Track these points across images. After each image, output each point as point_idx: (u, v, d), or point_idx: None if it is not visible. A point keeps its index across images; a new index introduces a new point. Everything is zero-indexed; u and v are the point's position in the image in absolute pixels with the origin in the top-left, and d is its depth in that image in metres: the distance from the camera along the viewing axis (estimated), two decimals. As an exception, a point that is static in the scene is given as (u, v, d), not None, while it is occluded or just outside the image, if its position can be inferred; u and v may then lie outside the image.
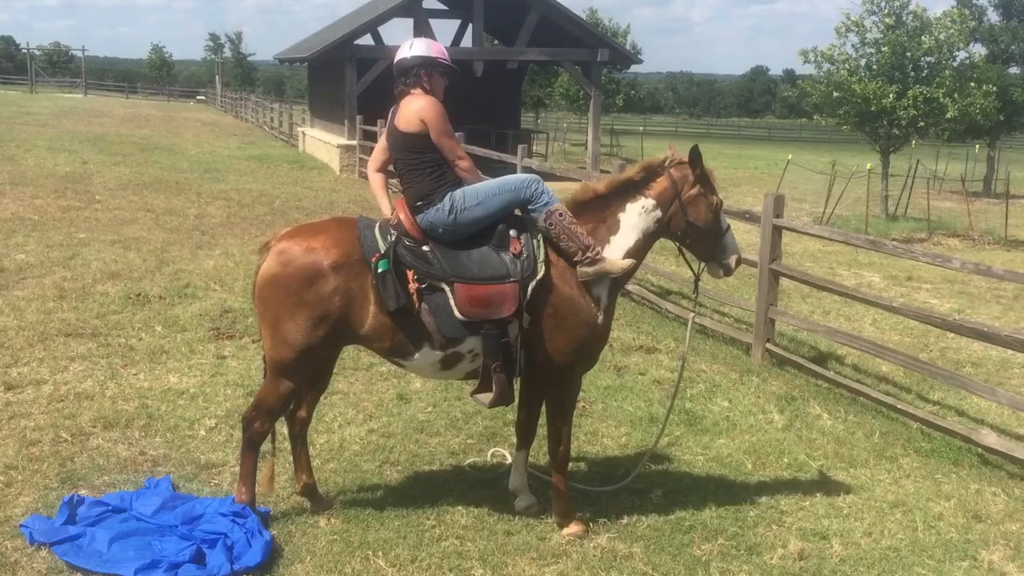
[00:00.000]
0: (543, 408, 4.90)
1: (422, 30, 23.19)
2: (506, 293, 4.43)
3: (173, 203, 15.87)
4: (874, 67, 19.80)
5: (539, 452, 5.47)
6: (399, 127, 4.66)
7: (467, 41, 27.57)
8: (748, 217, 8.78)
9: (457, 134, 5.08)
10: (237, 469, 4.90)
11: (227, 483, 5.15)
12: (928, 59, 19.81)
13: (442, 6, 30.31)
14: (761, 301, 8.32)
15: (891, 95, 19.05)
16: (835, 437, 6.44)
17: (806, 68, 22.26)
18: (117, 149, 25.71)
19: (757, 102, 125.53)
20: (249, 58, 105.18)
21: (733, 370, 7.92)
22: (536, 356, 4.59)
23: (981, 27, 28.95)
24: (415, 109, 4.61)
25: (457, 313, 4.43)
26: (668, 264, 11.61)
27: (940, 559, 4.79)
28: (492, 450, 5.82)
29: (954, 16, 20.36)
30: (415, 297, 4.42)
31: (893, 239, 14.45)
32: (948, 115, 19.33)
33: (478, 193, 4.59)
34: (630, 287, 10.10)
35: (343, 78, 24.38)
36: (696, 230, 4.77)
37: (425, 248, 4.53)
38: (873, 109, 19.39)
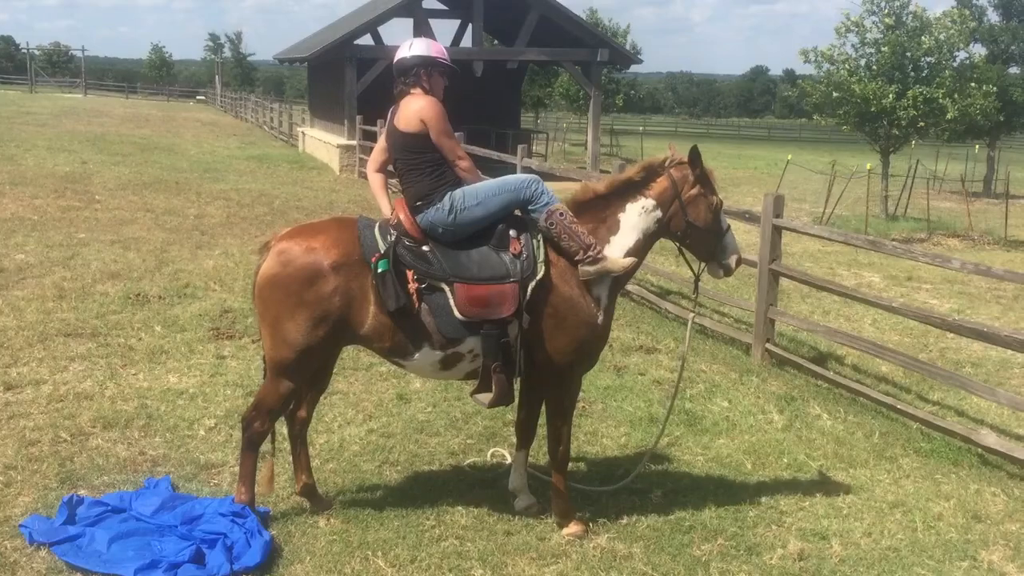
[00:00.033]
0: (543, 408, 4.90)
1: (422, 30, 23.19)
2: (506, 293, 4.43)
3: (173, 203, 15.87)
4: (874, 67, 19.80)
5: (539, 452, 5.47)
6: (399, 127, 4.66)
7: (467, 41, 27.57)
8: (748, 217, 8.78)
9: (457, 134, 5.08)
10: (237, 469, 4.90)
11: (227, 483, 5.15)
12: (928, 59, 19.81)
13: (442, 6, 30.31)
14: (761, 301, 8.32)
15: (891, 95, 19.05)
16: (835, 437, 6.44)
17: (806, 68, 22.29)
18: (117, 149, 25.71)
19: (757, 102, 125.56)
20: (249, 58, 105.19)
21: (733, 370, 7.92)
22: (536, 356, 4.59)
23: (981, 27, 28.96)
24: (415, 109, 4.61)
25: (457, 313, 4.43)
26: (668, 264, 11.61)
27: (940, 559, 4.79)
28: (492, 450, 5.82)
29: (954, 16, 20.36)
30: (415, 297, 4.42)
31: (893, 239, 14.45)
32: (948, 116, 19.32)
33: (478, 193, 4.59)
34: (630, 287, 10.10)
35: (343, 78, 24.38)
36: (696, 230, 4.77)
37: (425, 248, 4.53)
38: (873, 109, 19.39)
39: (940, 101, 19.09)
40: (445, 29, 30.37)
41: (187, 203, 16.00)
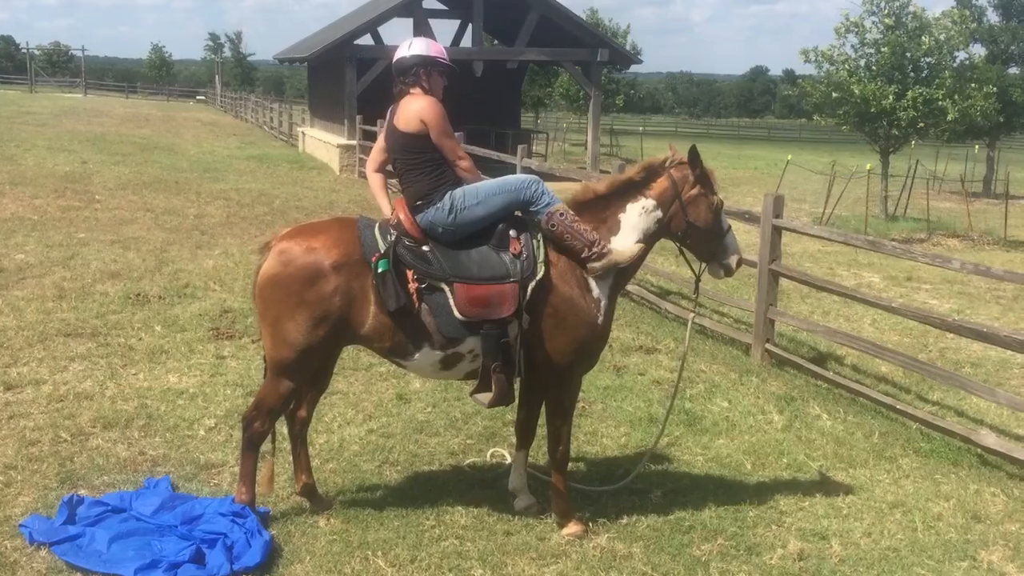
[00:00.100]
0: (543, 408, 4.90)
1: (422, 30, 23.19)
2: (506, 293, 4.44)
3: (173, 203, 15.87)
4: (873, 68, 19.79)
5: (539, 452, 5.47)
6: (399, 127, 4.66)
7: (467, 41, 27.57)
8: (748, 217, 8.78)
9: (457, 134, 5.08)
10: (237, 469, 4.91)
11: (227, 483, 5.15)
12: (928, 60, 19.80)
13: (442, 6, 30.31)
14: (761, 301, 8.33)
15: (891, 96, 19.05)
16: (834, 437, 6.44)
17: (806, 68, 22.30)
18: (117, 149, 25.71)
19: (757, 102, 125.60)
20: (249, 58, 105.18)
21: (733, 370, 7.92)
22: (536, 356, 4.59)
23: (980, 27, 28.94)
24: (415, 109, 4.61)
25: (457, 313, 4.43)
26: (668, 264, 11.61)
27: (939, 559, 4.79)
28: (491, 450, 5.82)
29: (954, 17, 20.35)
30: (415, 297, 4.42)
31: (892, 239, 14.45)
32: (949, 117, 19.32)
33: (478, 192, 4.59)
34: (630, 287, 10.10)
35: (343, 78, 24.38)
36: (697, 230, 4.77)
37: (425, 248, 4.53)
38: (873, 110, 19.38)
39: (940, 102, 19.09)
40: (445, 29, 30.41)
41: (187, 203, 16.00)
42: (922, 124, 19.69)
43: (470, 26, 26.16)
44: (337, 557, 4.43)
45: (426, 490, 5.18)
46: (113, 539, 4.35)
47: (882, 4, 19.97)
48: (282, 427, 5.03)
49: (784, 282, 9.02)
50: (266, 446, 4.74)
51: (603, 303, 4.66)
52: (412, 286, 4.42)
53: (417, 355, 4.53)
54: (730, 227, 4.90)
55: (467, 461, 5.69)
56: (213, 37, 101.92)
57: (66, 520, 4.52)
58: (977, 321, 9.02)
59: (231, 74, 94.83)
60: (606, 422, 6.51)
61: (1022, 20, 30.44)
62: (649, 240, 4.82)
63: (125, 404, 6.30)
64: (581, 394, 5.59)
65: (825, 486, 5.59)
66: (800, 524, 5.08)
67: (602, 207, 4.76)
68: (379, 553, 4.48)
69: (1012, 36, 29.72)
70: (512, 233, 4.58)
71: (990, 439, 6.18)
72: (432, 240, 4.56)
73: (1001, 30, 29.94)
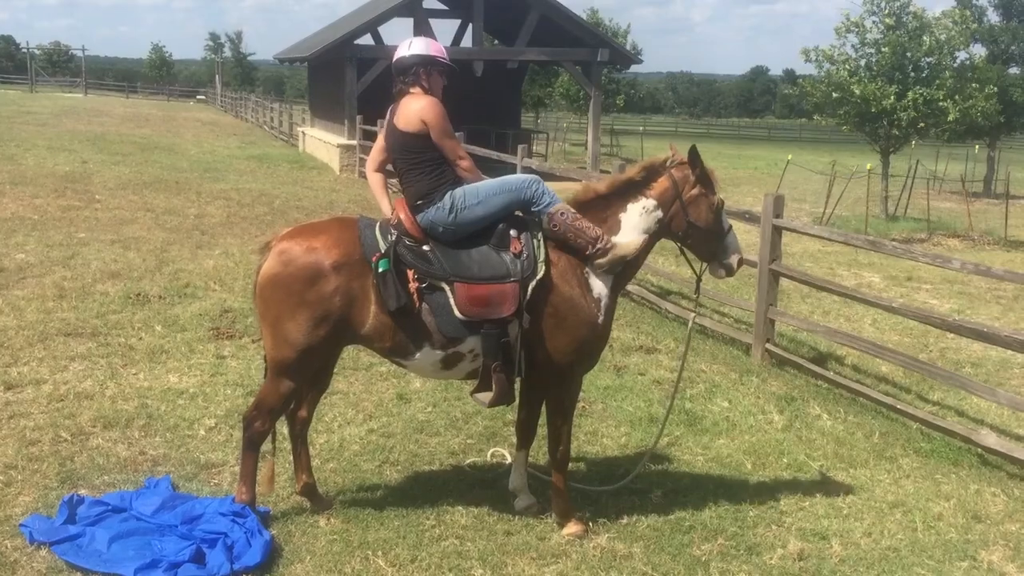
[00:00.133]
0: (543, 408, 4.90)
1: (422, 30, 23.20)
2: (506, 293, 4.43)
3: (173, 203, 15.87)
4: (874, 68, 19.79)
5: (539, 452, 5.47)
6: (399, 127, 4.66)
7: (467, 41, 27.58)
8: (748, 217, 8.78)
9: (457, 134, 5.08)
10: (237, 469, 4.91)
11: (227, 483, 5.15)
12: (928, 60, 19.79)
13: (442, 6, 30.32)
14: (761, 301, 8.33)
15: (891, 96, 19.04)
16: (835, 437, 6.44)
17: (807, 68, 22.28)
18: (117, 149, 25.72)
19: (757, 102, 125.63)
20: (249, 58, 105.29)
21: (733, 370, 7.92)
22: (536, 356, 4.59)
23: (981, 27, 28.93)
24: (415, 109, 4.61)
25: (457, 313, 4.43)
26: (668, 264, 11.61)
27: (940, 559, 4.79)
28: (492, 450, 5.82)
29: (955, 17, 20.34)
30: (415, 297, 4.42)
31: (893, 239, 14.45)
32: (950, 118, 19.31)
33: (479, 192, 4.59)
34: (630, 287, 10.10)
35: (343, 78, 24.39)
36: (697, 230, 4.77)
37: (425, 247, 4.53)
38: (873, 110, 19.38)
39: (941, 102, 19.08)
40: (445, 29, 30.42)
41: (187, 203, 16.01)
42: (922, 124, 19.68)
43: (470, 26, 26.17)
44: (337, 557, 4.43)
45: (426, 490, 5.18)
46: (113, 539, 4.35)
47: (882, 4, 19.96)
48: (282, 427, 5.04)
49: (784, 282, 9.02)
50: (266, 446, 4.74)
51: (604, 303, 4.65)
52: (413, 286, 4.42)
53: (418, 355, 4.53)
54: (731, 227, 4.90)
55: (467, 461, 5.69)
56: (213, 37, 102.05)
57: (66, 520, 4.52)
58: (977, 321, 9.02)
59: (231, 74, 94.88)
60: (606, 422, 6.51)
61: (1022, 20, 30.43)
62: (650, 240, 4.82)
63: (125, 404, 6.30)
64: (581, 394, 5.59)
65: (825, 486, 5.59)
66: (800, 524, 5.08)
67: (603, 207, 4.76)
68: (379, 553, 4.48)
69: (1012, 36, 29.71)
70: (512, 233, 4.58)
71: (991, 439, 6.18)
72: (432, 240, 4.56)
73: (1001, 30, 29.93)
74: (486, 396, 4.60)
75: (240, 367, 7.18)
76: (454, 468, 5.59)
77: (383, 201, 4.96)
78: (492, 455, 5.76)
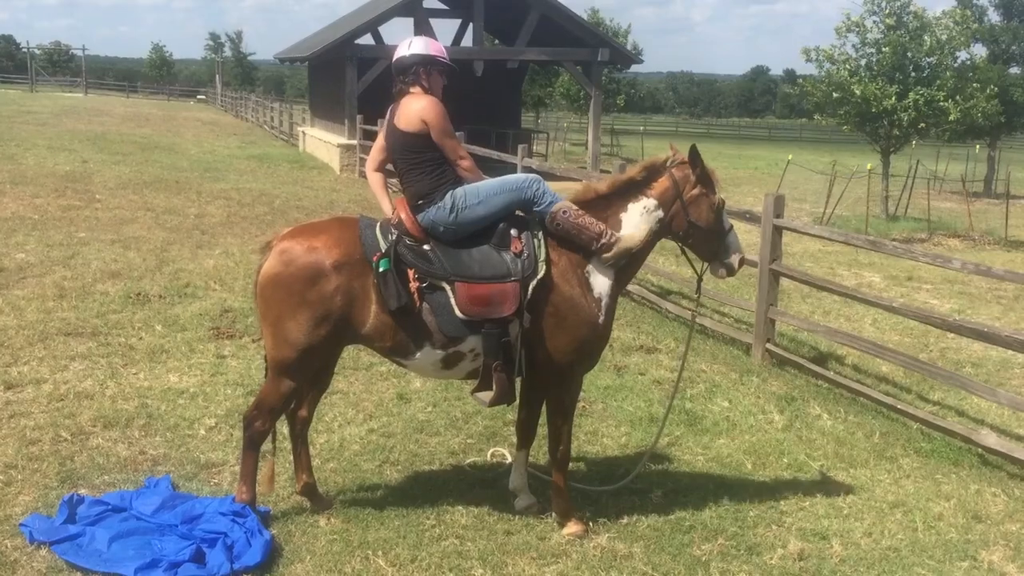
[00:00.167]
0: (543, 408, 4.90)
1: (423, 29, 23.19)
2: (507, 292, 4.43)
3: (173, 202, 15.87)
4: (874, 68, 19.78)
5: (539, 452, 5.47)
6: (399, 126, 4.65)
7: (467, 41, 27.58)
8: (748, 217, 8.78)
9: (457, 134, 5.08)
10: (237, 468, 4.91)
11: (227, 482, 5.15)
12: (929, 60, 19.79)
13: (442, 6, 30.31)
14: (761, 301, 8.32)
15: (892, 97, 19.03)
16: (835, 437, 6.44)
17: (807, 68, 22.29)
18: (117, 148, 25.71)
19: (757, 102, 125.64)
20: (249, 57, 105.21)
21: (733, 370, 7.92)
22: (537, 355, 4.59)
23: (981, 27, 28.91)
24: (416, 109, 4.60)
25: (458, 312, 4.43)
26: (668, 264, 11.61)
27: (940, 559, 4.79)
28: (492, 450, 5.82)
29: (956, 17, 20.34)
30: (416, 296, 4.42)
31: (893, 239, 14.45)
32: (951, 118, 19.30)
33: (479, 192, 4.59)
34: (631, 287, 10.10)
35: (343, 77, 24.39)
36: (698, 230, 4.77)
37: (426, 247, 4.53)
38: (874, 110, 19.37)
39: (942, 103, 19.07)
40: (446, 29, 30.42)
41: (187, 202, 16.00)
42: (923, 124, 19.68)
43: (471, 26, 26.17)
44: (337, 556, 4.43)
45: (427, 490, 5.18)
46: (113, 538, 4.35)
47: (883, 4, 19.96)
48: (283, 426, 5.03)
49: (785, 282, 9.02)
50: (266, 446, 4.74)
51: (604, 302, 4.65)
52: (413, 285, 4.42)
53: (418, 354, 4.53)
54: (732, 226, 4.90)
55: (468, 461, 5.69)
56: (213, 37, 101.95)
57: (66, 519, 4.52)
58: (978, 321, 9.01)
59: (231, 74, 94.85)
60: (607, 422, 6.50)
61: (1023, 20, 30.41)
62: (651, 239, 4.82)
63: (125, 403, 6.30)
64: (582, 394, 5.59)
65: (826, 486, 5.59)
66: (801, 524, 5.08)
67: (603, 207, 4.75)
68: (379, 552, 4.48)
69: (1013, 36, 29.69)
70: (513, 232, 4.58)
71: (991, 439, 6.18)
72: (433, 239, 4.56)
73: (1002, 30, 29.91)
74: (487, 395, 4.60)
75: (240, 367, 7.17)
76: (454, 468, 5.58)
77: (383, 201, 4.95)
78: (492, 455, 5.76)
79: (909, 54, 19.52)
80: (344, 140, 24.11)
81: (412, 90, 4.71)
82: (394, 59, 4.79)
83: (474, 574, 4.38)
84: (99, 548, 4.30)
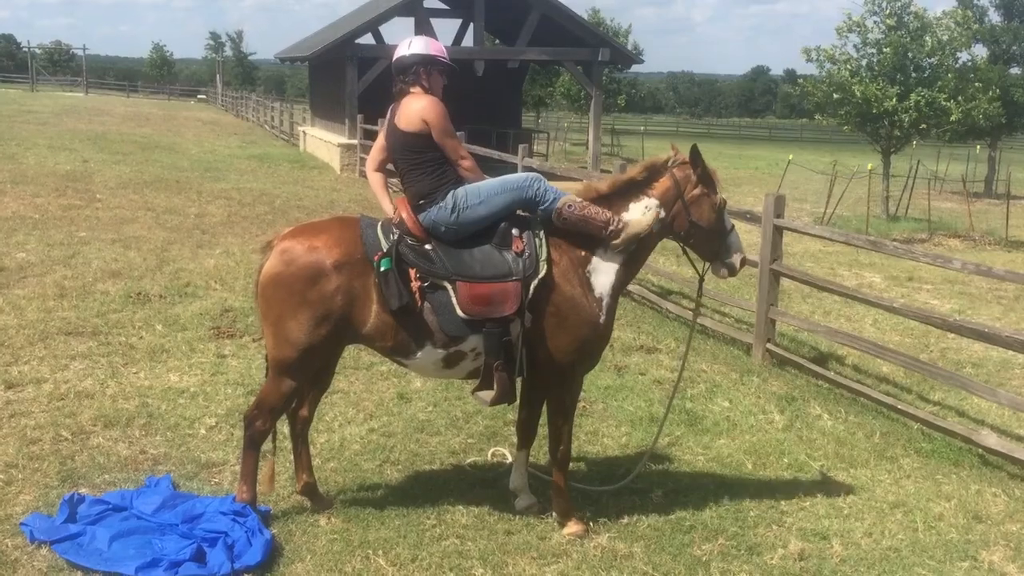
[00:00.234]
0: (544, 407, 4.90)
1: (423, 29, 23.19)
2: (508, 291, 4.44)
3: (174, 202, 15.87)
4: (875, 68, 19.77)
5: (539, 452, 5.47)
6: (400, 126, 4.65)
7: (468, 40, 27.58)
8: (749, 217, 8.77)
9: (458, 134, 5.08)
10: (238, 468, 4.91)
11: (227, 482, 5.15)
12: (930, 60, 19.78)
13: (443, 5, 30.30)
14: (762, 301, 8.32)
15: (893, 98, 19.02)
16: (835, 437, 6.44)
17: (808, 68, 22.31)
18: (118, 148, 25.71)
19: (758, 102, 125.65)
20: (250, 57, 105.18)
21: (733, 370, 7.92)
22: (538, 355, 4.59)
23: (982, 28, 28.90)
24: (417, 109, 4.60)
25: (459, 311, 4.43)
26: (669, 264, 11.61)
27: (941, 559, 4.79)
28: (493, 449, 5.82)
29: (957, 17, 20.33)
30: (417, 296, 4.42)
31: (894, 239, 14.45)
32: (952, 118, 19.30)
33: (480, 191, 4.59)
34: (631, 287, 10.10)
35: (344, 77, 24.38)
36: (700, 230, 4.77)
37: (427, 247, 4.53)
38: (875, 111, 19.37)
39: (943, 103, 19.06)
40: (446, 28, 30.42)
41: (188, 202, 16.01)
42: (924, 125, 19.68)
43: (471, 25, 26.16)
44: (338, 556, 4.43)
45: (427, 489, 5.18)
46: (114, 537, 4.35)
47: (883, 4, 19.96)
48: (283, 426, 5.04)
49: (785, 282, 9.02)
50: (267, 445, 4.74)
51: (605, 302, 4.65)
52: (415, 285, 4.42)
53: (419, 354, 4.53)
54: (733, 226, 4.90)
55: (468, 460, 5.69)
56: (214, 36, 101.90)
57: (67, 518, 4.52)
58: (978, 321, 9.01)
59: (232, 73, 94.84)
60: (607, 422, 6.51)
61: (1023, 20, 30.39)
62: (652, 240, 4.82)
63: (126, 403, 6.31)
64: (582, 393, 5.59)
65: (826, 486, 5.59)
66: (801, 524, 5.08)
67: (605, 206, 4.75)
68: (380, 552, 4.48)
69: (1014, 36, 29.67)
70: (514, 231, 4.58)
71: (991, 439, 6.18)
72: (434, 239, 4.56)
73: (1003, 30, 29.90)
74: (488, 395, 4.60)
75: (241, 366, 7.18)
76: (455, 467, 5.58)
77: (384, 200, 4.95)
78: (493, 454, 5.76)
79: (910, 55, 19.52)
80: (344, 140, 24.11)
81: (412, 90, 4.71)
82: (394, 59, 4.79)
83: (475, 574, 4.38)
84: (100, 547, 4.30)
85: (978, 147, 29.77)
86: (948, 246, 17.24)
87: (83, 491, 4.90)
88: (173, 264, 10.67)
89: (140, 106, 55.11)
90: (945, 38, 19.66)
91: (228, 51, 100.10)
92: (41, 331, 7.76)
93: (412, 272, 4.44)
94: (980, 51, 27.80)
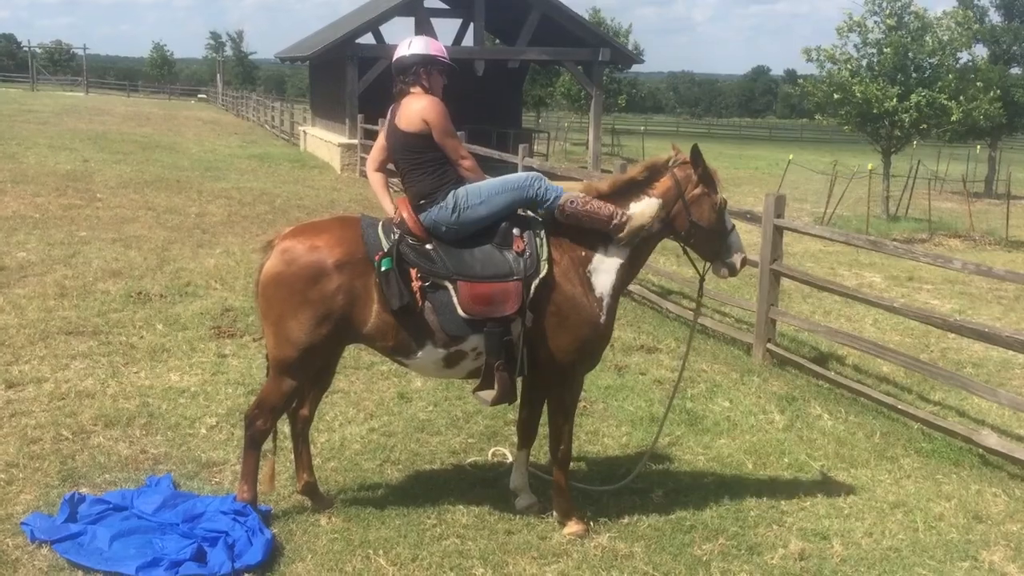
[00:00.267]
0: (545, 407, 4.90)
1: (423, 29, 23.20)
2: (509, 291, 4.44)
3: (174, 201, 15.87)
4: (875, 68, 19.77)
5: (540, 451, 5.47)
6: (400, 127, 4.66)
7: (468, 40, 27.59)
8: (749, 217, 8.77)
9: (458, 133, 5.08)
10: (238, 467, 4.91)
11: (228, 481, 5.15)
12: (931, 60, 19.78)
13: (443, 5, 30.31)
14: (762, 301, 8.32)
15: (893, 98, 19.02)
16: (836, 437, 6.44)
17: (808, 68, 22.31)
18: (118, 147, 25.72)
19: (758, 102, 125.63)
20: (250, 57, 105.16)
21: (734, 370, 7.92)
22: (538, 355, 4.59)
23: (983, 28, 28.89)
24: (417, 109, 4.60)
25: (460, 311, 4.43)
26: (669, 264, 11.61)
27: (941, 559, 4.79)
28: (493, 449, 5.82)
29: (958, 17, 20.32)
30: (418, 295, 4.43)
31: (894, 239, 14.45)
32: (953, 118, 19.29)
33: (481, 191, 4.59)
34: (632, 287, 10.10)
35: (344, 77, 24.39)
36: (700, 230, 4.77)
37: (428, 246, 4.53)
38: (875, 111, 19.37)
39: (944, 103, 19.05)
40: (447, 28, 30.44)
41: (188, 202, 16.01)
42: (924, 125, 19.67)
43: (472, 25, 26.17)
44: (338, 555, 4.44)
45: (427, 489, 5.19)
46: (114, 537, 4.35)
47: (883, 4, 19.95)
48: (283, 425, 5.03)
49: (785, 282, 9.02)
50: (267, 445, 4.74)
51: (606, 302, 4.66)
52: (416, 284, 4.43)
53: (420, 353, 4.53)
54: (734, 226, 4.90)
55: (468, 460, 5.69)
56: (214, 36, 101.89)
57: (67, 518, 4.52)
58: (979, 321, 9.01)
59: (232, 73, 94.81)
60: (607, 421, 6.51)
61: (1024, 20, 30.40)
62: (652, 239, 4.82)
63: (127, 402, 6.31)
64: (583, 393, 5.59)
65: (826, 486, 5.59)
66: (801, 524, 5.08)
67: (605, 205, 4.75)
68: (380, 552, 4.48)
69: (1014, 36, 29.66)
70: (515, 231, 4.58)
71: (992, 439, 6.18)
72: (435, 239, 4.56)
73: (1003, 30, 29.88)
74: (488, 394, 4.60)
75: (241, 366, 7.18)
76: (455, 467, 5.59)
77: (384, 200, 4.95)
78: (493, 454, 5.76)
79: (911, 55, 19.51)
80: (345, 139, 24.11)
81: (413, 90, 4.71)
82: (394, 59, 4.79)
83: (475, 573, 4.38)
84: (100, 547, 4.31)
85: (978, 147, 29.76)
86: (948, 246, 17.24)
87: (84, 490, 4.91)
88: (174, 263, 10.68)
89: (140, 106, 55.11)
90: (946, 38, 19.65)
91: (228, 51, 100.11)
92: (42, 330, 7.76)
93: (413, 272, 4.44)
94: (980, 51, 27.82)
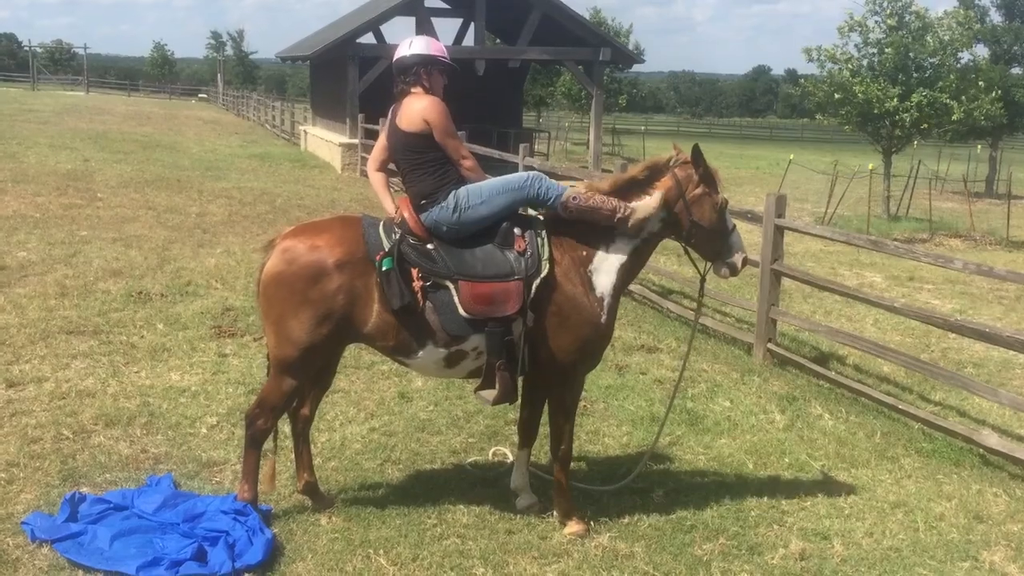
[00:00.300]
0: (545, 407, 4.90)
1: (424, 28, 23.20)
2: (510, 291, 4.44)
3: (175, 201, 15.87)
4: (876, 68, 19.76)
5: (540, 451, 5.47)
6: (401, 127, 4.66)
7: (469, 40, 27.59)
8: (750, 217, 8.77)
9: (459, 133, 5.08)
10: (239, 467, 4.91)
11: (228, 481, 5.15)
12: (932, 60, 19.77)
13: (444, 5, 30.31)
14: (763, 301, 8.32)
15: (894, 98, 19.01)
16: (836, 437, 6.44)
17: (809, 67, 22.26)
18: (119, 147, 25.72)
19: (759, 102, 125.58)
20: (251, 56, 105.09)
21: (734, 370, 7.92)
22: (539, 354, 4.59)
23: (983, 28, 28.88)
24: (418, 109, 4.60)
25: (461, 311, 4.43)
26: (670, 264, 11.61)
27: (941, 559, 4.79)
28: (494, 449, 5.82)
29: (959, 17, 20.31)
30: (419, 295, 4.43)
31: (895, 239, 14.45)
32: (954, 117, 19.28)
33: (482, 191, 4.59)
34: (632, 287, 10.10)
35: (345, 76, 24.39)
36: (701, 229, 4.77)
37: (429, 246, 4.53)
38: (876, 111, 19.36)
39: (945, 103, 19.03)
40: (447, 28, 30.49)
41: (189, 201, 16.01)
42: (925, 125, 19.66)
43: (472, 25, 26.17)
44: (339, 555, 4.44)
45: (428, 489, 5.18)
46: (115, 537, 4.36)
47: (885, 4, 19.94)
48: (284, 425, 5.03)
49: (786, 282, 9.02)
50: (268, 444, 4.74)
51: (606, 302, 4.65)
52: (416, 284, 4.43)
53: (421, 353, 4.53)
54: (735, 226, 4.90)
55: (469, 460, 5.69)
56: (215, 35, 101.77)
57: (68, 518, 4.52)
58: (979, 321, 9.01)
59: (233, 72, 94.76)
60: (608, 421, 6.51)
61: (1024, 20, 30.39)
62: (653, 239, 4.82)
63: (127, 402, 6.31)
64: (583, 393, 5.59)
65: (827, 486, 5.59)
66: (802, 524, 5.08)
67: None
68: (381, 551, 4.48)
69: (1015, 36, 29.66)
70: (516, 231, 4.58)
71: (992, 439, 6.17)
72: (436, 238, 4.56)
73: (1004, 30, 29.88)
74: (490, 394, 4.60)
75: (242, 365, 7.18)
76: (456, 467, 5.59)
77: (385, 200, 4.95)
78: (494, 454, 5.76)
79: (911, 54, 19.49)
80: (346, 139, 24.11)
81: (413, 90, 4.72)
82: (395, 59, 4.79)
83: (475, 573, 4.38)
84: (101, 546, 4.31)
85: (979, 147, 29.75)
86: (949, 246, 17.23)
87: (84, 490, 4.91)
88: (174, 263, 10.68)
89: (141, 105, 55.12)
90: (946, 38, 19.63)
91: (229, 50, 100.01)
92: (42, 330, 7.76)
93: (414, 272, 4.44)
94: (981, 51, 27.82)
